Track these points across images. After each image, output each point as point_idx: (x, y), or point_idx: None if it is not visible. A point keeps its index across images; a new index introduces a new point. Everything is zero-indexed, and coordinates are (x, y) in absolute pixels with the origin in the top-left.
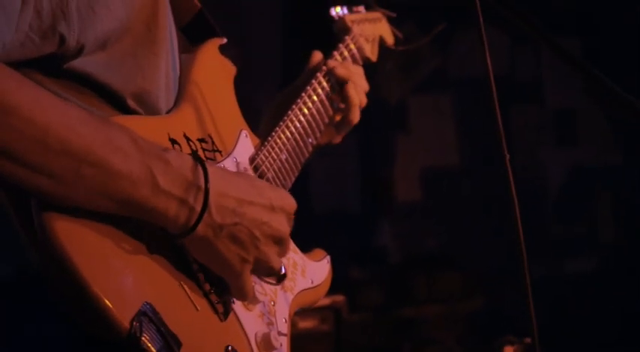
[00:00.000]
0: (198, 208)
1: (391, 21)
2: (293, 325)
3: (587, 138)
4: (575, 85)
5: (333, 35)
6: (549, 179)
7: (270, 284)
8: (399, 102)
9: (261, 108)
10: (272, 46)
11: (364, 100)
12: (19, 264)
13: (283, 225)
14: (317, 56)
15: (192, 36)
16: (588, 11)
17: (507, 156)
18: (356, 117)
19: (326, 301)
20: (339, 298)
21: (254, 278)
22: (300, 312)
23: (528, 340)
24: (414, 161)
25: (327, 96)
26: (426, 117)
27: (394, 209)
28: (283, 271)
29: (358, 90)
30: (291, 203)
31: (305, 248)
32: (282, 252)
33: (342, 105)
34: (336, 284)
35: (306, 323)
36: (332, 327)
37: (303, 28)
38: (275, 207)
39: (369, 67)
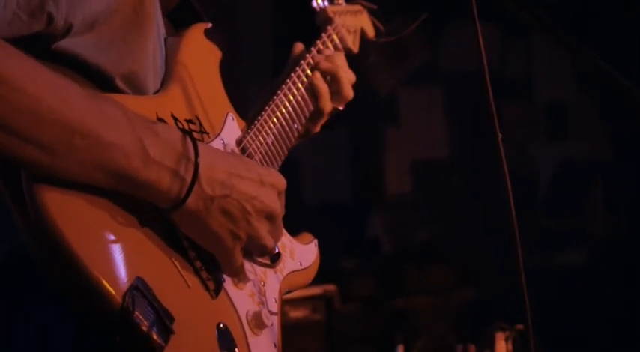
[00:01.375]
0: (189, 179)
1: (378, 13)
2: (284, 314)
3: (578, 133)
4: (565, 79)
5: (315, 27)
6: (540, 173)
7: (265, 265)
8: (390, 94)
9: (252, 99)
10: (263, 37)
11: (349, 93)
12: (11, 247)
13: (274, 202)
14: (299, 47)
15: (177, 21)
16: (588, 9)
17: (500, 136)
18: (326, 105)
19: (317, 290)
20: (331, 288)
21: (245, 259)
22: (292, 302)
23: (520, 326)
24: (404, 153)
25: (310, 84)
26: (417, 109)
27: (385, 201)
28: (277, 250)
29: (342, 82)
30: (280, 180)
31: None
32: (274, 230)
33: None
34: (328, 274)
35: (297, 313)
36: (323, 317)
37: (294, 19)
38: (265, 182)
39: (356, 60)
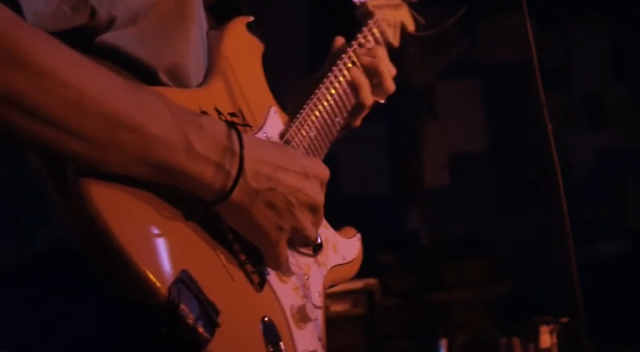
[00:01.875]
0: (234, 173)
1: (418, 6)
2: (325, 308)
3: (615, 122)
4: (602, 68)
5: (355, 21)
6: (578, 163)
7: (307, 255)
8: (427, 87)
9: (286, 92)
10: (297, 32)
11: (391, 86)
12: (54, 238)
13: (317, 193)
14: (339, 41)
15: (218, 15)
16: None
17: (549, 126)
18: (366, 99)
19: (358, 284)
20: (372, 281)
21: (288, 251)
22: (333, 296)
23: (564, 319)
24: (442, 146)
25: (351, 79)
26: (454, 102)
27: (423, 194)
28: (319, 241)
29: (383, 75)
30: (324, 171)
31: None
32: (317, 221)
33: None
34: (367, 267)
35: (338, 307)
36: (364, 311)
37: (328, 14)
38: (309, 174)
39: (394, 53)
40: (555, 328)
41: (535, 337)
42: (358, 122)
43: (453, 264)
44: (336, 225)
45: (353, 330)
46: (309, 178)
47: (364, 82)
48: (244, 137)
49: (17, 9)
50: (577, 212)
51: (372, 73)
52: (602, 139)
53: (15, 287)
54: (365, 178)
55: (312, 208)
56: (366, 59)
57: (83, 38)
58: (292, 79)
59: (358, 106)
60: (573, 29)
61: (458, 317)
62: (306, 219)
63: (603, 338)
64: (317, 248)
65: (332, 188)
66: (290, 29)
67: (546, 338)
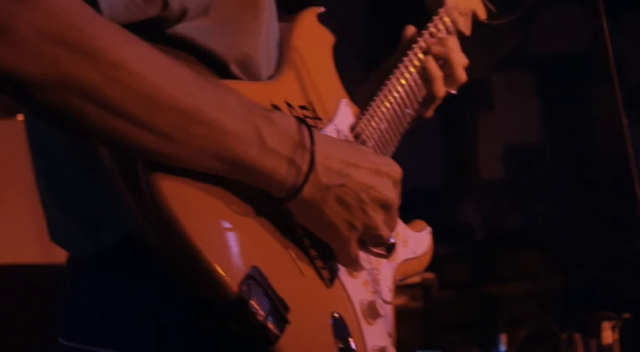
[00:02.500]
0: (305, 168)
1: None
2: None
3: None
4: None
5: (418, 11)
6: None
7: (380, 255)
8: (482, 78)
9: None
10: (353, 22)
11: (462, 76)
12: (124, 232)
13: (390, 191)
14: (410, 30)
15: (289, 6)
16: None
17: (625, 121)
18: (439, 90)
19: (416, 278)
20: (430, 276)
21: (359, 247)
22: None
23: (627, 315)
24: (497, 138)
25: (423, 68)
26: (509, 93)
27: (477, 186)
28: (392, 240)
29: (455, 65)
30: (396, 169)
31: None
32: (390, 221)
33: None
34: None
35: (395, 301)
36: (421, 304)
37: (385, 6)
38: (381, 171)
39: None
40: (617, 324)
41: (597, 333)
42: (430, 113)
43: (508, 256)
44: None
45: (410, 324)
46: (381, 176)
47: (438, 74)
48: (315, 133)
49: (92, 1)
50: (635, 206)
51: (444, 63)
52: None
53: (88, 274)
54: (419, 170)
55: (385, 206)
56: (438, 48)
57: (155, 29)
58: (349, 71)
59: (430, 97)
60: (630, 19)
61: (515, 311)
62: (378, 217)
63: None
64: (390, 248)
65: None
66: (346, 19)
67: (608, 335)
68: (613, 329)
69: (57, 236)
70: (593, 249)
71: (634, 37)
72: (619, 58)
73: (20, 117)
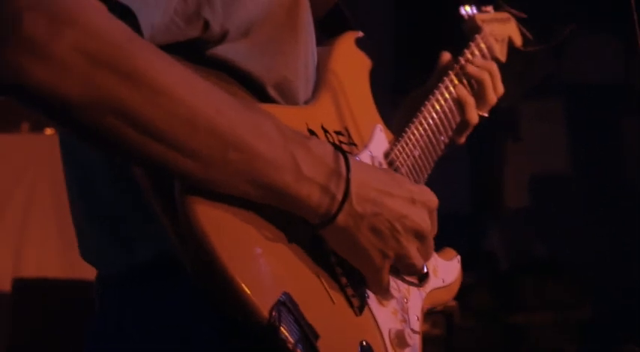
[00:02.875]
0: (340, 196)
1: (525, 21)
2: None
3: None
4: None
5: (453, 38)
6: None
7: (413, 284)
8: (511, 107)
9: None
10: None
11: (494, 98)
12: (157, 249)
13: (424, 220)
14: (446, 56)
15: (327, 29)
16: None
17: None
18: (472, 116)
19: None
20: (451, 303)
21: (390, 276)
22: None
23: None
24: (523, 166)
25: (457, 96)
26: (537, 122)
27: (503, 214)
28: (425, 270)
29: (487, 87)
30: (432, 198)
31: None
32: (424, 250)
33: None
34: None
35: None
36: (443, 331)
37: (414, 29)
38: (416, 200)
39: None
40: None
41: None
42: (463, 139)
43: (532, 285)
44: None
45: (432, 351)
46: (416, 204)
47: (470, 100)
48: (351, 160)
49: (134, 21)
50: None
51: (477, 85)
52: None
53: (118, 290)
54: (445, 196)
55: (419, 235)
56: (472, 69)
57: (195, 50)
58: (378, 94)
59: (464, 124)
60: None
61: (539, 341)
62: (411, 246)
63: None
64: (423, 277)
65: None
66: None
67: None
68: None
69: (88, 253)
70: (619, 280)
71: None
72: None
73: (49, 131)
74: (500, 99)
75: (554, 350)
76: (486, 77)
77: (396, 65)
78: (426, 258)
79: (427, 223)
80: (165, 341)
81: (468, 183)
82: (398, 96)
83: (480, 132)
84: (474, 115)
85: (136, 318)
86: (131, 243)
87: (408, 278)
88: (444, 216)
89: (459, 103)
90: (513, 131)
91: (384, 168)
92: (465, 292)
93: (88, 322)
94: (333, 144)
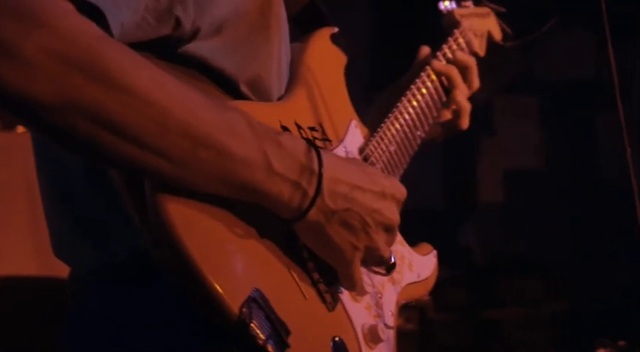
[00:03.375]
0: (312, 192)
1: (504, 15)
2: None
3: None
4: None
5: (432, 33)
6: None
7: (379, 274)
8: (485, 102)
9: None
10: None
11: (474, 87)
12: (132, 248)
13: (394, 214)
14: (425, 50)
15: (302, 25)
16: None
17: (629, 150)
18: (465, 123)
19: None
20: (425, 298)
21: (362, 269)
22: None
23: (622, 343)
24: (497, 162)
25: (436, 90)
26: (511, 118)
27: (477, 209)
28: (393, 260)
29: (473, 78)
30: (402, 191)
31: None
32: (391, 241)
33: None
34: None
35: None
36: (417, 326)
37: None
38: (386, 194)
39: None
40: (612, 351)
41: None
42: (442, 139)
43: (507, 280)
44: None
45: (406, 347)
46: (387, 198)
47: (460, 81)
48: (324, 155)
49: (103, 20)
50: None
51: (447, 80)
52: None
53: (96, 289)
54: (418, 191)
55: (387, 228)
56: (439, 65)
57: (167, 48)
58: (354, 91)
59: (453, 127)
60: (635, 46)
61: (513, 336)
62: (380, 239)
63: None
64: (390, 268)
65: None
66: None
67: None
68: None
69: (61, 251)
70: (593, 275)
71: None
72: (624, 86)
73: (20, 129)
74: (477, 95)
75: (528, 344)
76: (455, 73)
77: (372, 62)
78: (391, 245)
79: (396, 216)
80: (149, 340)
81: (442, 179)
82: (373, 93)
83: None
84: (465, 121)
85: (117, 318)
86: (106, 243)
87: (376, 268)
88: (419, 212)
89: (436, 98)
90: (487, 126)
91: (356, 161)
92: (439, 287)
93: (63, 320)
94: (306, 139)
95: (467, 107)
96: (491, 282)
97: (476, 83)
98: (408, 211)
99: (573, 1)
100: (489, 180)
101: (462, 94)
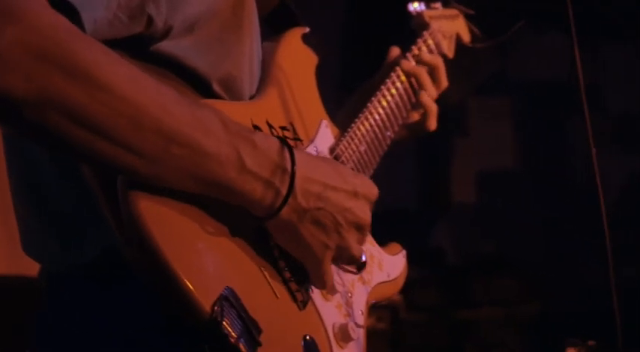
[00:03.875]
0: (284, 191)
1: (473, 18)
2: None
3: None
4: (636, 90)
5: (402, 35)
6: (608, 186)
7: (350, 272)
8: (459, 103)
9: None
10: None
11: (442, 87)
12: (104, 246)
13: (365, 213)
14: (395, 51)
15: (274, 25)
16: None
17: (594, 150)
18: (433, 124)
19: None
20: (396, 297)
21: (333, 268)
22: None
23: (592, 343)
24: (470, 163)
25: (405, 90)
26: (485, 119)
27: (451, 210)
28: (363, 259)
29: (441, 77)
30: (373, 191)
31: None
32: (362, 239)
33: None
34: None
35: None
36: (388, 326)
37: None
38: (358, 193)
39: None
40: (582, 350)
41: None
42: (433, 126)
43: (480, 281)
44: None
45: (377, 346)
46: (358, 197)
47: (428, 82)
48: (297, 154)
49: (76, 17)
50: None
51: (415, 82)
52: (634, 160)
53: (66, 287)
54: (392, 192)
55: (359, 227)
56: (407, 65)
57: (139, 46)
58: (326, 92)
59: (421, 129)
60: (607, 49)
61: (485, 336)
62: (351, 238)
63: None
64: (361, 266)
65: None
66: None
67: None
68: None
69: (32, 249)
70: (565, 276)
71: (612, 67)
72: (596, 88)
73: None
74: (449, 96)
75: (500, 344)
76: (423, 74)
77: (343, 62)
78: (362, 244)
79: (368, 215)
80: (117, 337)
81: (416, 180)
82: (344, 93)
83: None
84: (433, 122)
85: (86, 315)
86: (77, 240)
87: (347, 267)
88: (392, 212)
89: (406, 98)
90: (461, 127)
91: (329, 160)
92: (411, 287)
93: (33, 318)
94: (279, 137)
95: (434, 108)
96: (464, 283)
97: (444, 82)
98: (381, 212)
99: (546, 3)
100: (463, 181)
101: (429, 95)
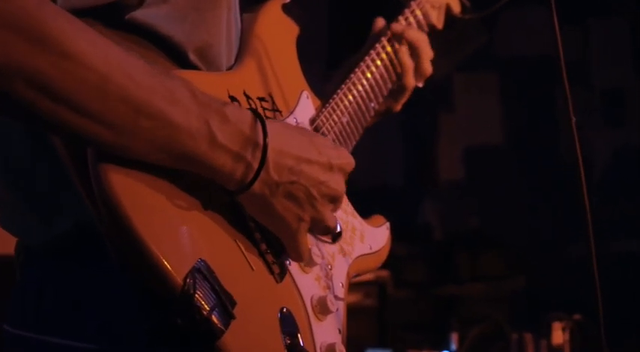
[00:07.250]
0: (256, 165)
1: None
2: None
3: (635, 119)
4: (623, 65)
5: (388, 5)
6: (595, 160)
7: (326, 242)
8: (444, 79)
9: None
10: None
11: (429, 69)
12: (78, 220)
13: (340, 185)
14: (380, 22)
15: None
16: None
17: (574, 120)
18: (410, 82)
19: (370, 276)
20: (384, 273)
21: (311, 240)
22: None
23: (577, 316)
24: (457, 139)
25: (390, 61)
26: (471, 95)
27: (437, 186)
28: (339, 229)
29: (423, 57)
30: (349, 162)
31: None
32: (336, 209)
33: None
34: None
35: (349, 298)
36: (376, 302)
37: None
38: (333, 165)
39: None
40: (568, 325)
41: (547, 333)
42: (399, 107)
43: (467, 257)
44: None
45: (364, 321)
46: (333, 170)
47: (409, 64)
48: (269, 127)
49: None
50: (593, 209)
51: (412, 54)
52: (621, 136)
53: (39, 261)
54: (379, 169)
55: (333, 199)
56: (412, 34)
57: (114, 15)
58: (310, 65)
59: (400, 89)
60: (594, 24)
61: (470, 311)
62: (326, 210)
63: (617, 338)
64: (336, 236)
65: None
66: (312, 16)
67: (559, 335)
68: (563, 329)
69: (8, 222)
70: (551, 251)
71: (599, 42)
72: (584, 63)
73: None
74: (433, 72)
75: (486, 319)
76: (422, 44)
77: (330, 40)
78: (336, 212)
79: (342, 187)
80: (92, 313)
81: (402, 156)
82: (333, 71)
83: (413, 104)
84: (411, 80)
85: (57, 290)
86: (50, 214)
87: (322, 237)
88: (378, 189)
89: (394, 68)
90: (447, 103)
91: (305, 130)
92: (398, 263)
93: (9, 294)
94: (252, 110)
95: (410, 65)
96: (451, 259)
97: (429, 52)
98: (369, 188)
99: None
100: (449, 157)
101: (406, 53)
